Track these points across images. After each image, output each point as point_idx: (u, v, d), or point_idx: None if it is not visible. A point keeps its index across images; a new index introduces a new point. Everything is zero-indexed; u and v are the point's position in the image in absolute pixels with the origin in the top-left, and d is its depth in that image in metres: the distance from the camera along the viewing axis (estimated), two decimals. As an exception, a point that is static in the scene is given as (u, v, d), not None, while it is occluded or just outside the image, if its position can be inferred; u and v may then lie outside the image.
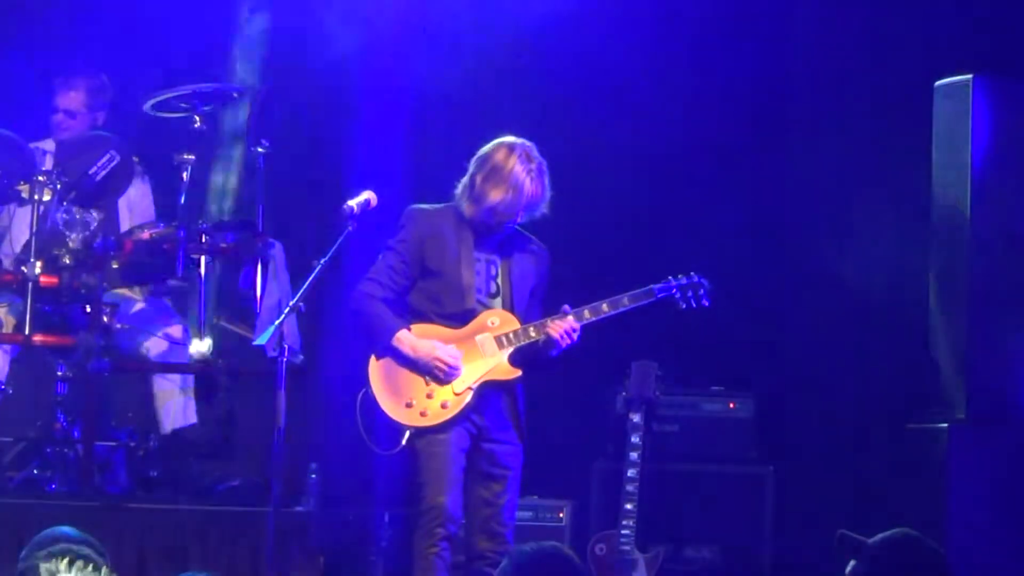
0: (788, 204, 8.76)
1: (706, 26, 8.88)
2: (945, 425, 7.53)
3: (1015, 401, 7.49)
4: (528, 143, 6.58)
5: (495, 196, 6.48)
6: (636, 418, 7.51)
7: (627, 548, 7.42)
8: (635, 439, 7.48)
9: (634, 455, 7.45)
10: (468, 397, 6.49)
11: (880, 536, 4.55)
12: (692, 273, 6.76)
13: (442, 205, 6.65)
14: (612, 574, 7.48)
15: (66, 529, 4.50)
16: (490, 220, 6.54)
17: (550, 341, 6.50)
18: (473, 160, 6.60)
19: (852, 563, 4.54)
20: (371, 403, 6.48)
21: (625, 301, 6.64)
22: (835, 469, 8.47)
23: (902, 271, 8.30)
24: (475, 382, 6.50)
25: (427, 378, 6.48)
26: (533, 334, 6.54)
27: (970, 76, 7.58)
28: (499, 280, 6.62)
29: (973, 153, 7.53)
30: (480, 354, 6.52)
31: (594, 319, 6.59)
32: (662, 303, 6.71)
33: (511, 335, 6.54)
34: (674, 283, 6.72)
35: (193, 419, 7.76)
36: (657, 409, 7.62)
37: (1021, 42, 8.11)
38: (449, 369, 6.45)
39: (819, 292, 8.69)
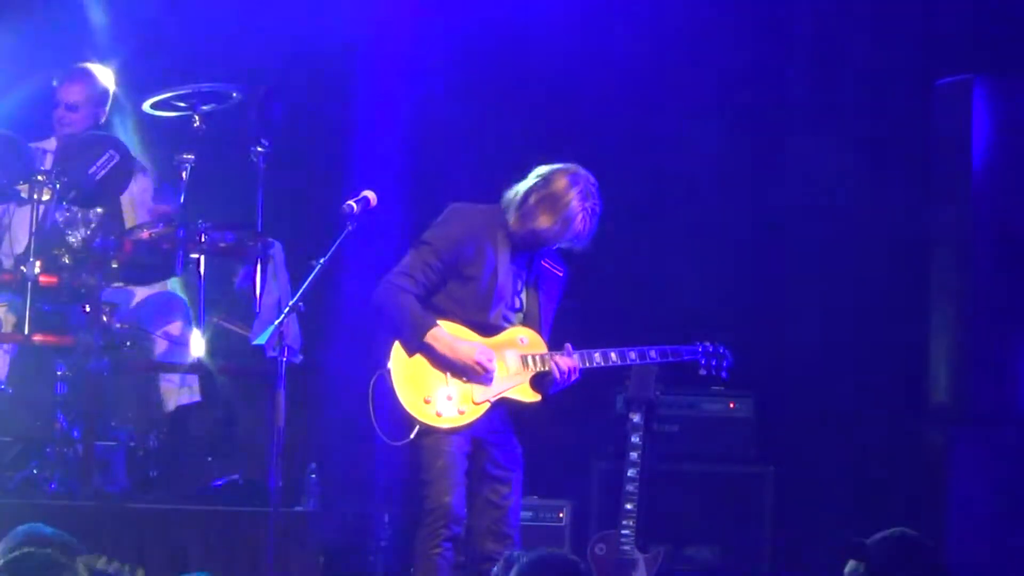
0: (788, 204, 8.76)
1: (706, 27, 8.88)
2: (945, 425, 7.53)
3: (1015, 401, 7.50)
4: (591, 179, 6.49)
5: (544, 222, 6.44)
6: (636, 418, 7.49)
7: (627, 548, 7.41)
8: (635, 439, 7.46)
9: (634, 455, 7.44)
10: (485, 408, 6.46)
11: (878, 536, 4.55)
12: (720, 344, 6.88)
13: (487, 207, 6.56)
14: (612, 574, 7.47)
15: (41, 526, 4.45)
16: (530, 240, 6.49)
17: (549, 375, 6.48)
18: (532, 174, 6.51)
19: (850, 563, 4.54)
20: (384, 388, 6.40)
21: (652, 354, 6.71)
22: (835, 469, 8.47)
23: (902, 271, 8.30)
24: (495, 396, 6.46)
25: (448, 375, 6.40)
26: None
27: (970, 76, 7.59)
28: (523, 296, 6.58)
29: (973, 153, 7.54)
30: (505, 369, 6.48)
31: (618, 364, 6.65)
32: (685, 363, 6.84)
33: (537, 358, 6.51)
34: (700, 349, 6.85)
35: (197, 396, 7.74)
36: (657, 409, 7.61)
37: (1021, 42, 8.11)
38: (486, 373, 6.41)
39: (819, 292, 8.69)
